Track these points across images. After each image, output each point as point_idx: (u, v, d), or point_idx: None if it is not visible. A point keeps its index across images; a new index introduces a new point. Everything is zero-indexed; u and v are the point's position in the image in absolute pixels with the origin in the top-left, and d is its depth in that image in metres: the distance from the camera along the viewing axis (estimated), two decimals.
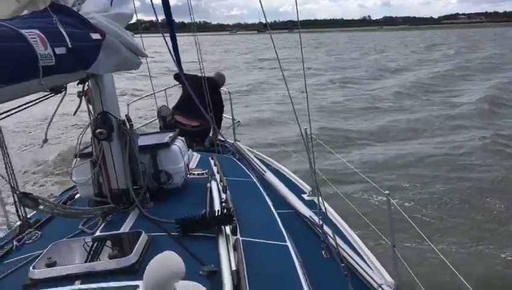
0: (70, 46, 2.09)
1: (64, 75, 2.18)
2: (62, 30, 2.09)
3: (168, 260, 1.87)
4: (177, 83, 7.09)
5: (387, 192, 2.92)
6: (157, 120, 6.86)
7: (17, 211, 3.14)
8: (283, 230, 3.06)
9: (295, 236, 3.10)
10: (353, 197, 6.95)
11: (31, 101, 2.16)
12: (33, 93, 2.01)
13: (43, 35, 1.88)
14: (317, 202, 4.07)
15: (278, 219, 3.25)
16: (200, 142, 6.43)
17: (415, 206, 7.56)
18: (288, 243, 2.86)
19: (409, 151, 11.28)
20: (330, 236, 3.26)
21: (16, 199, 2.92)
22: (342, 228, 3.67)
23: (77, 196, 3.75)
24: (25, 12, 2.62)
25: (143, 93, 8.88)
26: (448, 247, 6.16)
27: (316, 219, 3.56)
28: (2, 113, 2.09)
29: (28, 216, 3.33)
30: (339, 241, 3.19)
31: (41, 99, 2.23)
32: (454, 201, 7.89)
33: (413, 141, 12.55)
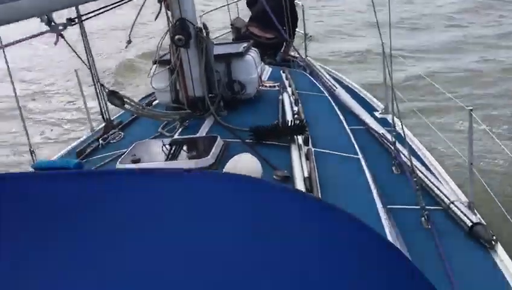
0: None
1: None
2: None
3: (246, 160, 1.96)
4: None
5: (470, 108, 2.78)
6: (231, 32, 6.81)
7: (101, 112, 3.35)
8: (355, 144, 3.06)
9: (366, 152, 3.10)
10: (430, 114, 6.56)
11: (114, 3, 2.20)
12: None
13: None
14: (390, 119, 3.99)
15: (350, 133, 3.24)
16: (271, 55, 6.35)
17: (500, 124, 6.90)
18: (360, 157, 2.87)
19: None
20: (403, 153, 3.22)
21: (102, 99, 3.12)
22: (415, 145, 3.60)
23: (155, 102, 3.92)
24: None
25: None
26: None
27: (389, 136, 3.50)
28: (88, 13, 2.17)
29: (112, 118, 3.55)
30: (412, 159, 3.14)
31: (124, 1, 2.27)
32: None
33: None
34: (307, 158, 2.60)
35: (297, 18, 6.58)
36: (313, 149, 2.72)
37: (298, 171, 2.43)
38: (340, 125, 3.42)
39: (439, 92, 4.51)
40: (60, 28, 1.62)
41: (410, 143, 3.47)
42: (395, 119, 3.46)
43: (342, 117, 3.64)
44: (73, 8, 2.02)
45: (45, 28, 1.63)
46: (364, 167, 2.75)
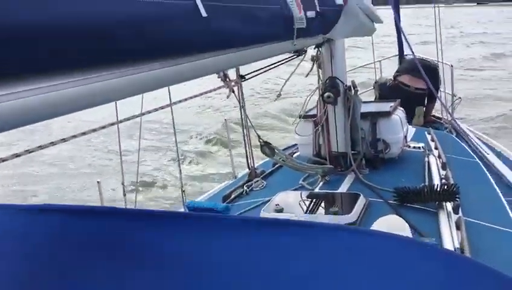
0: (318, 10, 2.22)
1: (308, 38, 2.34)
2: None
3: (396, 223, 1.91)
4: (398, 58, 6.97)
5: None
6: (373, 89, 6.83)
7: (247, 160, 3.57)
8: None
9: None
10: None
11: (278, 61, 2.38)
12: (285, 53, 2.21)
13: (299, 0, 2.05)
14: None
15: (507, 205, 2.95)
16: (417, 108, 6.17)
17: None
18: None
19: None
20: None
21: (249, 150, 3.33)
22: None
23: (296, 154, 4.04)
24: None
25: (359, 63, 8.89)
26: None
27: None
28: (252, 72, 2.37)
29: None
30: None
31: (286, 60, 2.44)
32: None
33: None
34: (458, 227, 2.42)
35: (440, 82, 6.37)
36: (464, 218, 2.54)
37: (448, 240, 2.27)
38: (494, 195, 3.14)
39: None
40: (233, 84, 1.80)
41: None
42: None
43: (495, 185, 3.35)
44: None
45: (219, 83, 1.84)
46: None
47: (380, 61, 7.48)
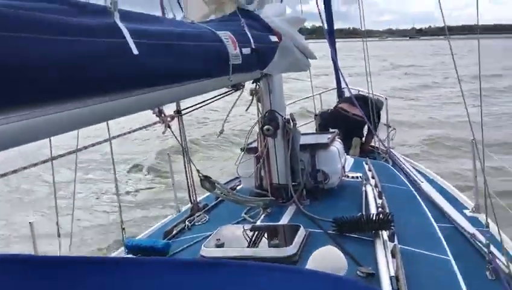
0: (253, 47, 2.29)
1: (245, 73, 2.40)
2: (248, 32, 2.30)
3: (332, 255, 1.94)
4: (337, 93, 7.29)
5: None
6: (314, 122, 7.03)
7: (189, 195, 3.53)
8: (445, 244, 2.90)
9: (456, 252, 2.92)
10: None
11: (216, 96, 2.41)
12: (221, 88, 2.25)
13: (233, 37, 2.10)
14: (481, 219, 3.76)
15: (439, 232, 3.09)
16: (357, 133, 6.42)
17: None
18: (451, 258, 2.70)
19: None
20: (499, 258, 2.98)
21: (191, 184, 3.31)
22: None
23: (239, 187, 4.05)
24: (212, 17, 2.93)
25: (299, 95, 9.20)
26: None
27: (481, 237, 3.29)
28: (189, 107, 2.38)
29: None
30: (510, 265, 2.90)
31: (224, 94, 2.47)
32: None
33: None
34: (393, 255, 2.49)
35: (380, 115, 6.69)
36: (399, 246, 2.62)
37: (384, 269, 2.33)
38: (427, 222, 3.28)
39: None
40: (169, 119, 1.80)
41: (507, 247, 3.22)
42: (489, 220, 3.26)
43: (428, 213, 3.50)
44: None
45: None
46: (456, 270, 2.57)
47: (320, 94, 7.73)
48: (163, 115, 1.77)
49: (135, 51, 1.35)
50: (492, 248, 3.05)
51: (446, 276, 2.51)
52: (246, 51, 2.21)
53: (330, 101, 7.98)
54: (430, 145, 12.18)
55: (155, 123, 1.81)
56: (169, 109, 2.21)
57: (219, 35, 1.98)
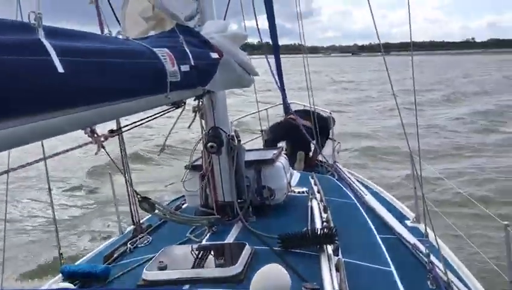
0: (193, 64, 2.25)
1: (185, 91, 2.36)
2: (187, 49, 2.26)
3: (275, 273, 1.91)
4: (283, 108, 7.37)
5: (506, 223, 2.70)
6: (261, 137, 7.05)
7: (132, 216, 3.41)
8: (387, 255, 2.96)
9: (398, 263, 2.98)
10: (463, 225, 6.46)
11: (155, 114, 2.35)
12: (159, 106, 2.19)
13: (171, 54, 2.06)
14: (421, 229, 3.88)
15: (381, 243, 3.15)
16: (303, 147, 6.48)
17: None
18: (393, 269, 2.75)
19: None
20: (437, 266, 3.08)
21: (133, 204, 3.19)
22: (450, 258, 3.45)
23: (184, 205, 3.97)
24: (151, 33, 2.88)
25: (245, 111, 9.25)
26: None
27: (422, 247, 3.38)
28: (128, 125, 2.30)
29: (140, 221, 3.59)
30: (448, 272, 3.00)
31: (163, 112, 2.42)
32: None
33: None
34: (337, 269, 2.51)
35: (329, 130, 6.82)
36: (343, 260, 2.64)
37: (328, 283, 2.33)
38: (370, 235, 3.34)
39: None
40: (102, 139, 1.72)
41: (445, 255, 3.33)
42: (428, 229, 3.37)
43: (371, 225, 3.57)
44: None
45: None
46: (398, 280, 2.62)
47: (266, 109, 7.79)
48: (95, 135, 1.69)
49: (60, 69, 1.28)
50: (432, 257, 3.14)
51: (388, 287, 2.55)
52: (185, 68, 2.17)
53: (274, 116, 8.08)
54: (370, 156, 12.63)
55: (86, 144, 1.72)
56: (108, 127, 2.13)
57: (155, 52, 1.93)
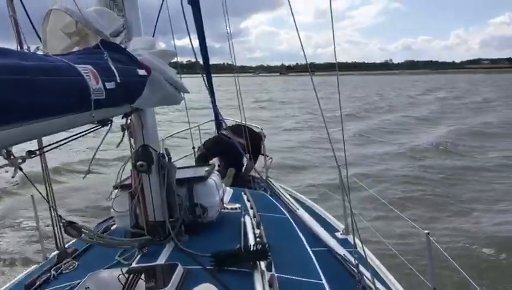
0: (119, 81, 2.18)
1: (112, 108, 2.28)
2: (112, 66, 2.19)
3: None
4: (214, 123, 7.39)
5: (427, 231, 2.85)
6: (193, 154, 6.99)
7: (56, 241, 3.22)
8: (318, 268, 3.01)
9: (329, 275, 3.05)
10: (389, 235, 6.76)
11: (80, 132, 2.25)
12: (83, 125, 2.10)
13: (95, 71, 1.99)
14: (350, 240, 3.99)
15: (313, 257, 3.21)
16: (234, 163, 6.51)
17: (459, 244, 7.29)
18: (324, 282, 2.81)
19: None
20: (366, 276, 3.18)
21: (57, 229, 3.02)
22: (378, 268, 3.57)
23: (114, 227, 3.81)
24: (76, 48, 2.77)
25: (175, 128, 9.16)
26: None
27: (351, 258, 3.48)
28: (52, 144, 2.19)
29: (65, 246, 3.40)
30: (376, 282, 3.10)
31: (89, 131, 2.32)
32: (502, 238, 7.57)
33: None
34: (271, 285, 2.52)
35: (260, 146, 6.90)
36: (276, 275, 2.66)
37: None
38: (302, 248, 3.39)
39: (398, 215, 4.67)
40: (19, 161, 1.61)
41: (373, 264, 3.45)
42: (357, 240, 3.48)
43: (303, 239, 3.63)
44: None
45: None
46: None
47: (198, 126, 7.74)
48: (12, 157, 1.57)
49: None
50: (361, 267, 3.24)
51: None
52: (110, 85, 2.11)
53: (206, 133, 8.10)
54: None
55: (2, 166, 1.61)
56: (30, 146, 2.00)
57: (77, 69, 1.85)
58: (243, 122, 6.47)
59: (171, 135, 7.36)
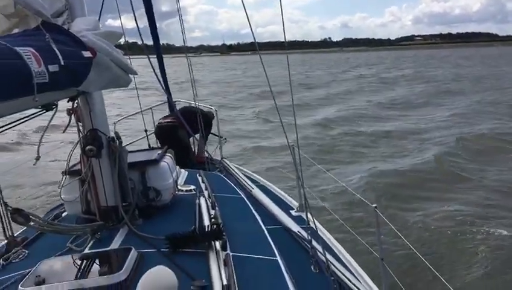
0: (62, 63, 2.11)
1: (56, 92, 2.21)
2: (55, 48, 2.12)
3: (160, 275, 1.89)
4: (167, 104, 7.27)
5: (375, 205, 2.97)
6: (145, 138, 6.88)
7: (3, 229, 3.10)
8: (273, 245, 3.08)
9: (284, 251, 3.13)
10: (341, 211, 6.98)
11: (23, 118, 2.17)
12: (27, 110, 2.03)
13: (37, 53, 1.91)
14: (305, 217, 4.10)
15: (267, 234, 3.27)
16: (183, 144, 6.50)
17: (404, 217, 7.65)
18: (278, 258, 2.88)
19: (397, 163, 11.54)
20: (319, 251, 3.28)
21: (4, 216, 2.91)
22: (330, 242, 3.70)
23: (65, 213, 3.73)
24: (15, 30, 2.64)
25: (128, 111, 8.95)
26: (440, 260, 6.19)
27: (305, 234, 3.58)
28: None
29: (15, 234, 3.29)
30: (328, 256, 3.21)
31: (33, 116, 2.25)
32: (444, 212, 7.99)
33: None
34: (225, 264, 2.56)
35: (211, 124, 6.89)
36: (231, 254, 2.70)
37: (216, 279, 2.37)
38: (256, 227, 3.45)
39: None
40: None
41: (326, 239, 3.57)
42: (309, 216, 3.57)
43: (258, 218, 3.69)
44: None
45: None
46: (283, 269, 2.75)
47: (151, 108, 7.61)
48: None
49: None
50: (314, 243, 3.35)
51: (275, 276, 2.66)
52: (54, 68, 2.04)
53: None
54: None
55: None
56: None
57: (18, 51, 1.78)
58: (195, 102, 6.43)
59: (123, 118, 7.21)
